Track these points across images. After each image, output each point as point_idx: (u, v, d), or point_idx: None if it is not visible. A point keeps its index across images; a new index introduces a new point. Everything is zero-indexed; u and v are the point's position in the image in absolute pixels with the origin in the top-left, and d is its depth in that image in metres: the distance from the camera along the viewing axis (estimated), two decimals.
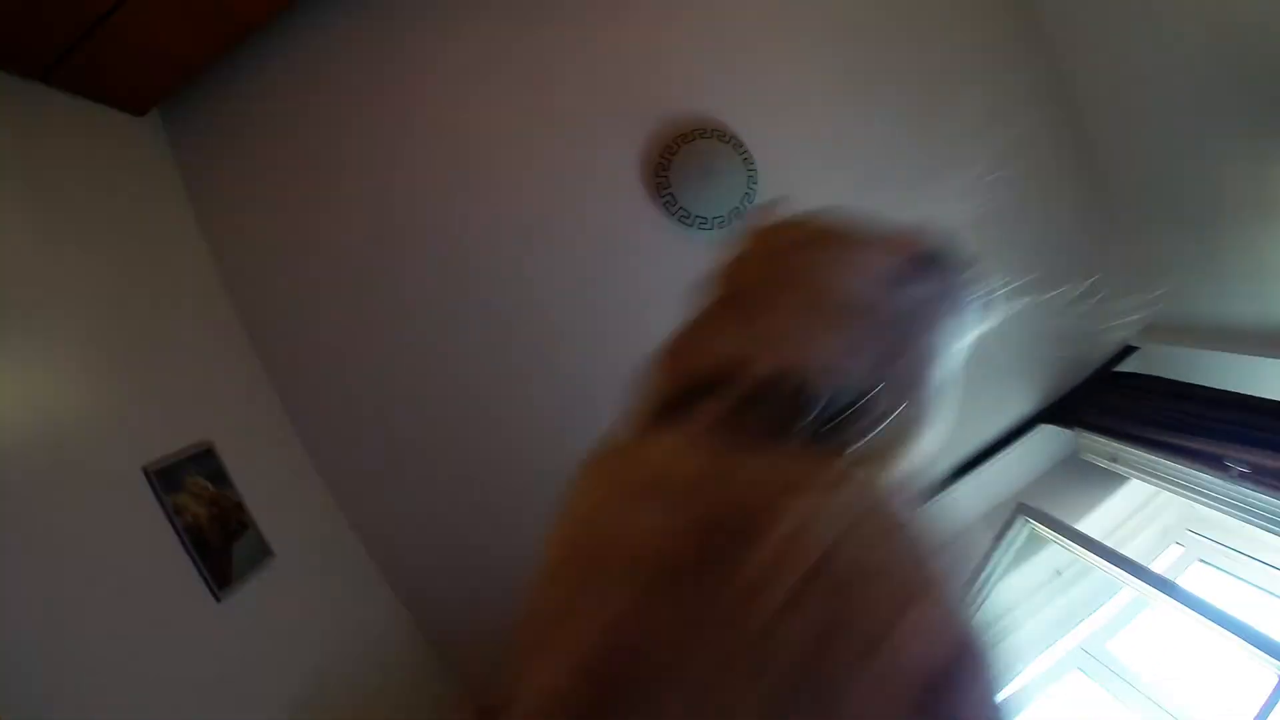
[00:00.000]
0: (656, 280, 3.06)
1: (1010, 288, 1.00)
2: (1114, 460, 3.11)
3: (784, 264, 0.93)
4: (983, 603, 2.98)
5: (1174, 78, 2.78)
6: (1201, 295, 3.15)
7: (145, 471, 2.08)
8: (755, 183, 3.04)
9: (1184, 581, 2.99)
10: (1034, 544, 3.04)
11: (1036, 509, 2.96)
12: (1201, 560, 3.11)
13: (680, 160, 2.99)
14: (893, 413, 0.78)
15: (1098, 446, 3.18)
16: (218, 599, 2.10)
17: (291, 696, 2.23)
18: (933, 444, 0.85)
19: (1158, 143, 3.02)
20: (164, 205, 2.87)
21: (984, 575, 2.96)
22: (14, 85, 2.29)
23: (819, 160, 3.13)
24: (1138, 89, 2.97)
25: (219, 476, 2.39)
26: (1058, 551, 3.01)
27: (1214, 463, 2.61)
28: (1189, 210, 3.02)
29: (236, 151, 3.01)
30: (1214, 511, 2.74)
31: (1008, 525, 3.01)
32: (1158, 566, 3.07)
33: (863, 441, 0.75)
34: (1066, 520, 2.93)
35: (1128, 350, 3.45)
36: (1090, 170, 3.31)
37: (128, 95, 2.72)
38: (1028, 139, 3.23)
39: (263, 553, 2.41)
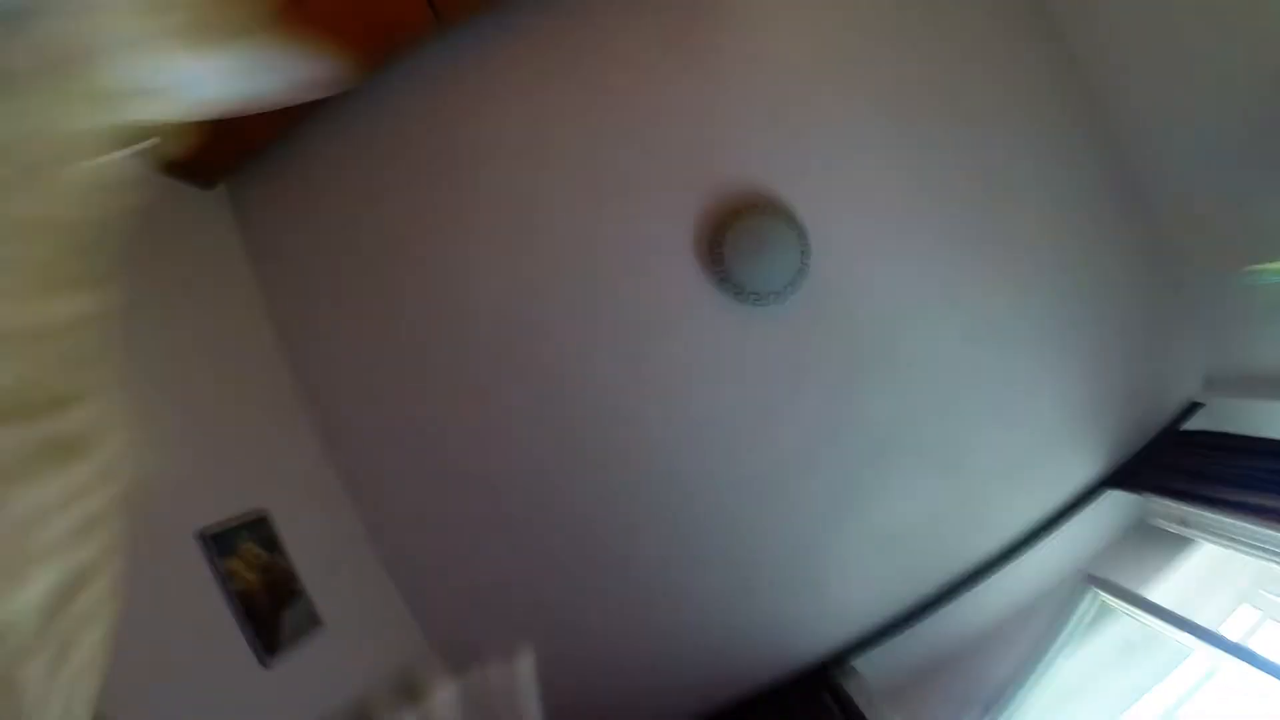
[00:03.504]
0: (706, 351, 3.08)
1: None
2: (1183, 523, 2.98)
3: None
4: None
5: (1234, 125, 2.74)
6: (1268, 346, 3.04)
7: (200, 535, 2.10)
8: (809, 258, 3.05)
9: (1258, 644, 2.84)
10: (1103, 615, 2.91)
11: (1105, 579, 2.84)
12: (1276, 621, 2.94)
13: (735, 234, 3.01)
14: None
15: (1166, 510, 3.05)
16: (265, 665, 2.10)
17: None
18: None
19: (1219, 192, 2.95)
20: (228, 276, 2.96)
21: (1052, 650, 2.84)
22: None
23: (873, 238, 3.12)
24: (1197, 137, 2.93)
25: (272, 544, 2.40)
26: (1128, 624, 2.88)
27: None
28: (1253, 260, 2.94)
29: (298, 225, 3.11)
30: None
31: (1076, 596, 2.89)
32: (1231, 630, 2.92)
33: None
34: (1136, 589, 2.80)
35: (1194, 407, 3.33)
36: (1151, 223, 3.26)
37: (196, 168, 2.83)
38: (1085, 201, 3.22)
39: (312, 622, 2.40)
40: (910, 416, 3.15)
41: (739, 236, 3.01)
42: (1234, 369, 3.21)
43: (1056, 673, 2.84)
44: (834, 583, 3.16)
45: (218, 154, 2.81)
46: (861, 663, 3.08)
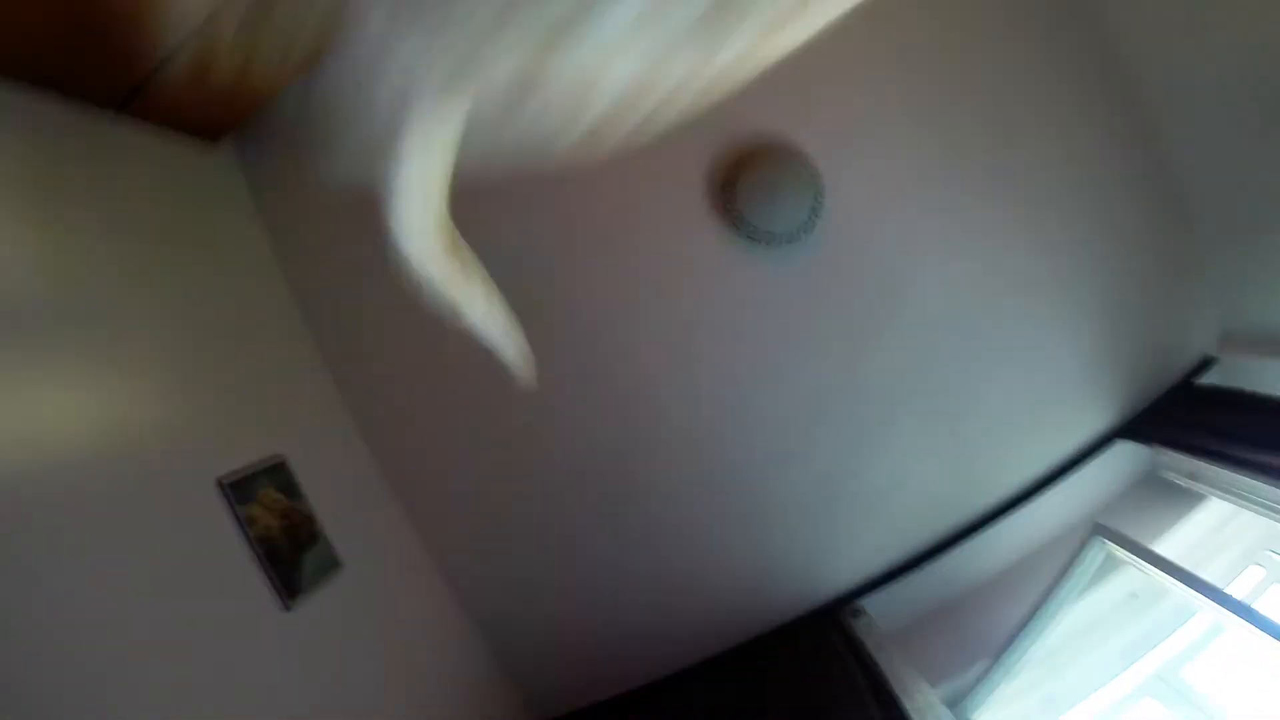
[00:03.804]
0: (723, 296, 3.07)
1: None
2: (1193, 478, 2.99)
3: None
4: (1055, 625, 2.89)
5: (1250, 84, 2.67)
6: None
7: (219, 483, 2.15)
8: (822, 198, 3.02)
9: (1263, 605, 2.87)
10: (1109, 566, 2.94)
11: (1113, 530, 2.85)
12: None
13: (747, 177, 2.98)
14: None
15: (1176, 463, 3.06)
16: (287, 608, 2.16)
17: (356, 706, 2.28)
18: None
19: (1240, 146, 2.88)
20: (239, 229, 2.96)
21: (1057, 597, 2.88)
22: (90, 116, 2.37)
23: (886, 176, 3.07)
24: (1212, 94, 2.85)
25: (290, 489, 2.45)
26: (1133, 574, 2.91)
27: None
28: (1269, 215, 2.90)
29: (308, 177, 3.08)
30: None
31: (1083, 546, 2.92)
32: (1237, 589, 2.95)
33: None
34: (1143, 541, 2.82)
35: (1207, 362, 3.32)
36: (1171, 177, 3.20)
37: (201, 124, 2.80)
38: (1101, 151, 3.17)
39: (332, 564, 2.47)
40: (923, 362, 3.15)
41: (752, 179, 2.97)
42: (1250, 326, 3.19)
43: (1063, 621, 2.88)
44: (845, 526, 3.21)
45: (221, 108, 2.77)
46: (871, 605, 3.14)
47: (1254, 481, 2.66)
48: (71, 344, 1.91)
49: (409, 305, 3.04)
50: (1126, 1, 3.00)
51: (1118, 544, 2.82)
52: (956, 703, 2.94)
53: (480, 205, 3.03)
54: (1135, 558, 2.77)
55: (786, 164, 2.98)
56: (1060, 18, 3.13)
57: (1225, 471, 2.79)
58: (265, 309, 2.92)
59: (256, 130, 3.07)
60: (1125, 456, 3.25)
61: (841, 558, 3.23)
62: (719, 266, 3.07)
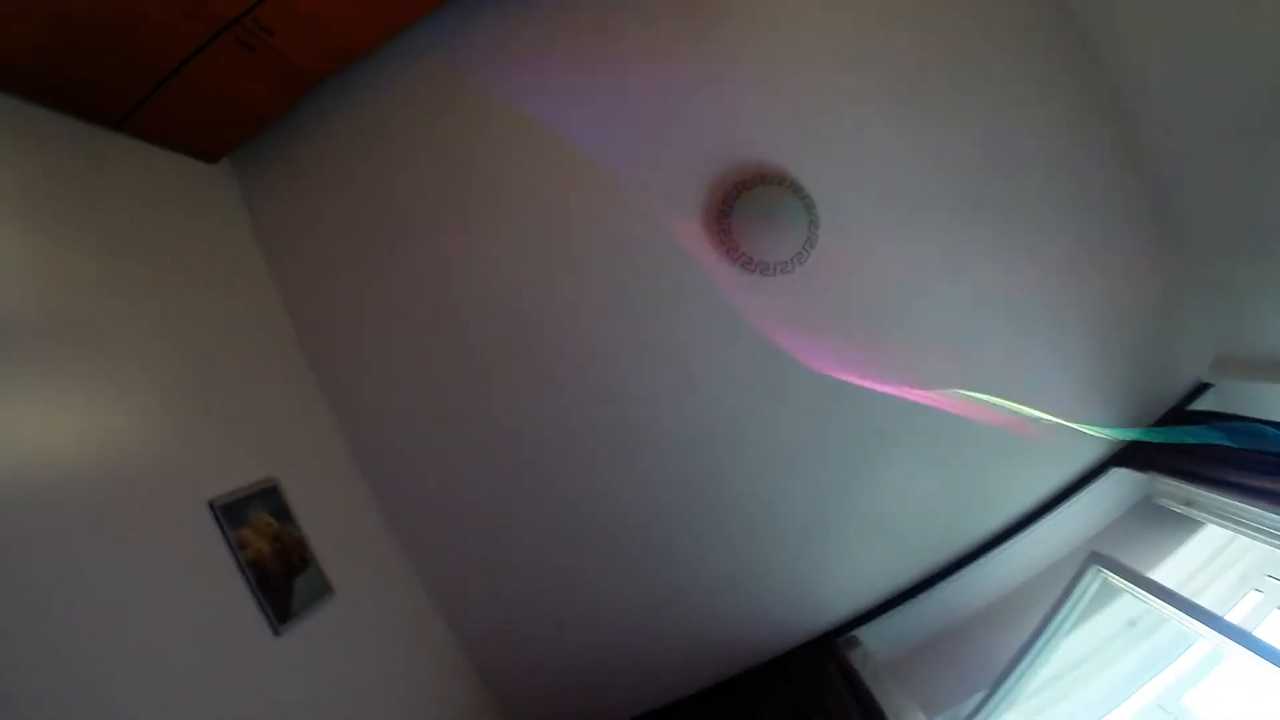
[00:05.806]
0: (714, 324, 3.07)
1: None
2: (1189, 504, 2.99)
3: None
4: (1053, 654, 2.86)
5: (1242, 104, 2.70)
6: (1278, 329, 3.03)
7: (211, 505, 2.12)
8: (817, 227, 3.03)
9: (1263, 630, 2.85)
10: (1106, 593, 2.92)
11: (1109, 557, 2.84)
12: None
13: (741, 207, 3.00)
14: None
15: (1172, 490, 3.06)
16: (276, 633, 2.12)
17: None
18: None
19: (1232, 172, 2.92)
20: (234, 249, 2.96)
21: (1055, 626, 2.86)
22: (89, 133, 2.38)
23: (880, 203, 3.10)
24: (1204, 114, 2.88)
25: (282, 513, 2.42)
26: (1131, 601, 2.89)
27: None
28: (1262, 239, 2.92)
29: (304, 198, 3.10)
30: None
31: (1080, 574, 2.90)
32: (1235, 615, 2.93)
33: None
34: (1140, 569, 2.80)
35: (1202, 387, 3.33)
36: (1164, 203, 3.22)
37: (199, 143, 2.83)
38: (1094, 178, 3.19)
39: (323, 589, 2.43)
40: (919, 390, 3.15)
41: (747, 208, 3.00)
42: (1243, 351, 3.20)
43: (1062, 650, 2.85)
44: (840, 555, 3.19)
45: (221, 128, 2.81)
46: (866, 635, 3.12)
47: (1250, 507, 2.66)
48: (63, 360, 1.90)
49: (406, 328, 3.08)
50: (1122, 20, 3.03)
51: (1114, 572, 2.81)
52: None
53: (476, 233, 3.07)
54: (1132, 585, 2.75)
55: (781, 193, 3.00)
56: (1053, 40, 3.17)
57: (1220, 497, 2.78)
58: (260, 330, 2.91)
59: (255, 151, 3.09)
60: (1121, 484, 3.25)
61: (836, 588, 3.20)
62: (714, 294, 3.08)
